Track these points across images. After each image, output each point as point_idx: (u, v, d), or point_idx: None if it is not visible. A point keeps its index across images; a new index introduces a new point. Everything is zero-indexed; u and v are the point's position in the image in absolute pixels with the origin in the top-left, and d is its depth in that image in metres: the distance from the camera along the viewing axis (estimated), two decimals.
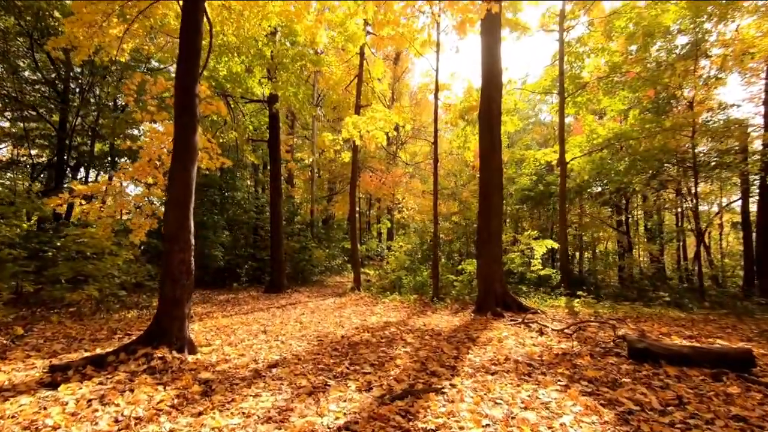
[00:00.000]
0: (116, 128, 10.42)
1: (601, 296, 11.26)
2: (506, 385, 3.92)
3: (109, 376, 3.93)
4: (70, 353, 5.07)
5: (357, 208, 14.58)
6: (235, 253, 16.11)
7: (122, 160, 14.64)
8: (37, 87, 14.72)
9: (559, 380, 4.05)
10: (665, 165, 14.01)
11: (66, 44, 8.05)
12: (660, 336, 6.19)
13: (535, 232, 12.64)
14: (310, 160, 25.00)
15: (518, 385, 3.90)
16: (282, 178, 23.66)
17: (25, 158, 17.67)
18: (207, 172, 15.83)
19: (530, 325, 7.11)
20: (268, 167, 15.34)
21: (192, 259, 5.09)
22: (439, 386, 3.89)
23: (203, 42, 9.70)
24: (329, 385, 3.93)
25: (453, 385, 3.92)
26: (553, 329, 6.39)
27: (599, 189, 18.37)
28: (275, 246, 13.52)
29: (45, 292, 7.25)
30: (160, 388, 3.69)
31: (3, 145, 16.67)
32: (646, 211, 19.96)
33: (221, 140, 13.69)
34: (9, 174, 12.18)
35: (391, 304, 10.66)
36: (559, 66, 13.37)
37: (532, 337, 6.10)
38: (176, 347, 4.73)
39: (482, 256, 9.43)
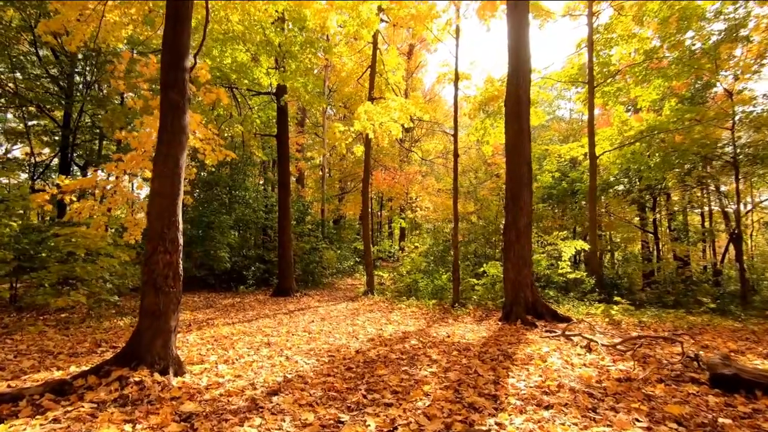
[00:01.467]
0: (114, 121, 9.77)
1: (635, 302, 10.27)
2: (570, 426, 3.04)
3: (69, 409, 3.15)
4: (39, 372, 4.32)
5: (368, 208, 13.79)
6: (242, 254, 15.42)
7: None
8: (39, 83, 14.24)
9: (636, 419, 3.15)
10: (704, 159, 12.92)
11: (59, 28, 7.39)
12: (731, 353, 5.22)
13: (564, 232, 11.66)
14: (321, 159, 24.31)
15: (586, 429, 3.01)
16: (292, 176, 23.05)
17: (26, 156, 17.29)
18: (213, 170, 15.21)
19: (572, 338, 6.18)
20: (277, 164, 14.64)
21: (180, 262, 4.31)
22: (483, 427, 3.03)
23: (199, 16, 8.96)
24: (342, 423, 3.10)
25: (500, 425, 3.06)
26: (603, 345, 5.47)
27: (626, 186, 17.30)
28: (283, 247, 12.77)
29: (28, 298, 6.58)
30: (128, 427, 2.89)
31: (5, 143, 16.26)
32: (669, 211, 18.76)
33: (226, 134, 12.99)
34: (4, 171, 11.66)
35: (408, 310, 9.81)
36: (588, 53, 12.39)
37: (579, 355, 5.19)
38: (159, 368, 3.94)
39: (509, 258, 8.52)
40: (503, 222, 17.59)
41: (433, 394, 3.75)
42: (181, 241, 4.34)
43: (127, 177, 8.31)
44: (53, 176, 15.89)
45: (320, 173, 24.20)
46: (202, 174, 15.44)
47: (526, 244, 8.50)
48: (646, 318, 8.10)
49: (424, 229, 27.42)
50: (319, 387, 3.95)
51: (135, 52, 12.98)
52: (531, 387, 3.94)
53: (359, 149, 10.70)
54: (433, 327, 7.86)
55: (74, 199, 7.26)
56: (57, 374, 4.24)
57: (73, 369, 4.40)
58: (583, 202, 17.79)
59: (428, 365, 4.80)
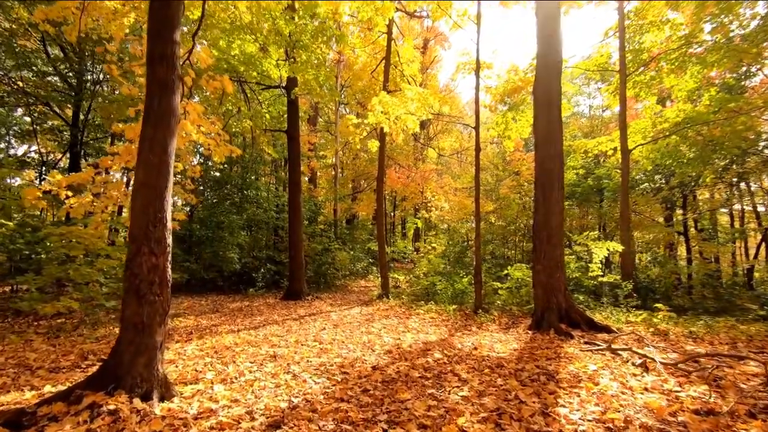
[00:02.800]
0: (113, 112, 9.31)
1: (675, 308, 9.37)
2: None
3: None
4: (9, 393, 3.75)
5: (383, 206, 13.09)
6: (252, 256, 14.90)
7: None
8: (48, 80, 13.95)
9: None
10: (743, 154, 11.91)
11: (57, 16, 6.90)
12: None
13: (595, 232, 10.80)
14: (333, 159, 23.74)
15: None
16: (304, 175, 22.50)
17: (37, 155, 17.09)
18: (222, 167, 14.72)
19: (619, 353, 5.40)
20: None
21: (168, 265, 3.69)
22: None
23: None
24: None
25: None
26: (661, 362, 4.67)
27: (655, 184, 16.29)
28: (294, 248, 12.17)
29: (13, 303, 6.08)
30: None
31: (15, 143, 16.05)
32: (697, 210, 17.64)
33: (234, 130, 12.46)
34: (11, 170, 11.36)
35: (427, 316, 9.09)
36: (619, 39, 11.51)
37: (635, 376, 4.41)
38: (140, 392, 3.32)
39: (540, 260, 7.74)
40: (525, 222, 16.79)
41: (469, 430, 3.04)
42: (169, 241, 3.71)
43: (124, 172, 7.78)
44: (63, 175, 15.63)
45: (333, 173, 23.63)
46: (211, 172, 14.98)
47: (558, 245, 7.72)
48: (696, 328, 7.23)
49: (440, 229, 26.65)
50: (330, 416, 3.28)
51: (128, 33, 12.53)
52: (589, 420, 3.20)
53: (374, 144, 10.02)
54: (456, 336, 7.14)
55: (70, 194, 6.77)
56: (28, 395, 3.66)
57: (48, 389, 3.82)
58: (608, 201, 16.84)
59: (458, 387, 4.09)
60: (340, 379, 4.35)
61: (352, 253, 18.05)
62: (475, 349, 5.95)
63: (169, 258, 3.72)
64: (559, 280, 7.58)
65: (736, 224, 20.31)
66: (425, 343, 6.41)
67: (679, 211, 16.40)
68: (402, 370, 4.71)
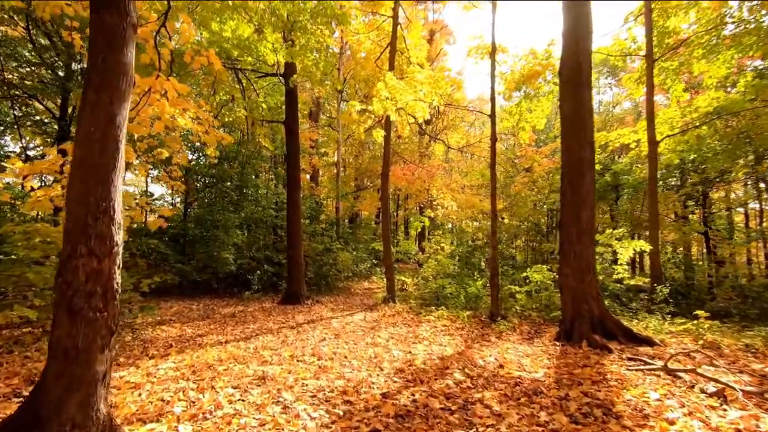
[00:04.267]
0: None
1: (712, 315, 8.45)
2: None
3: None
4: None
5: (388, 203, 12.17)
6: (249, 256, 14.02)
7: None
8: (33, 70, 13.14)
9: None
10: None
11: None
12: None
13: (619, 230, 9.88)
14: (335, 152, 22.86)
15: None
16: (304, 172, 21.64)
17: (21, 149, 16.26)
18: (218, 161, 13.88)
19: (677, 374, 4.49)
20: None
21: (117, 270, 2.81)
22: None
23: None
24: None
25: None
26: (742, 391, 3.76)
27: (675, 179, 15.37)
28: (293, 248, 11.29)
29: None
30: None
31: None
32: (711, 209, 16.65)
33: (227, 119, 11.60)
34: None
35: (439, 323, 8.19)
36: (646, 20, 10.60)
37: (714, 409, 3.51)
38: None
39: (568, 262, 6.84)
40: (539, 220, 15.88)
41: None
42: (118, 239, 2.84)
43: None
44: None
45: (334, 170, 22.77)
46: (206, 168, 14.13)
47: (590, 244, 6.81)
48: (750, 340, 6.30)
49: (445, 228, 25.73)
50: None
51: None
52: None
53: (378, 134, 9.14)
54: (474, 348, 6.25)
55: (35, 186, 5.92)
56: None
57: None
58: (628, 198, 15.91)
59: (493, 426, 3.20)
60: (342, 412, 3.46)
61: (354, 253, 17.16)
62: (501, 366, 5.06)
63: (118, 261, 2.84)
64: (590, 285, 6.68)
65: (752, 224, 19.39)
66: (441, 358, 5.51)
67: (692, 209, 15.49)
68: (419, 398, 3.82)
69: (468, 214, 20.46)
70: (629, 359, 5.36)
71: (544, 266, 9.13)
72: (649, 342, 6.21)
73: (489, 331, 7.54)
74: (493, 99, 8.90)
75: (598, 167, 15.21)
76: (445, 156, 23.07)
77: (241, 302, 10.95)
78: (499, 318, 8.13)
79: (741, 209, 19.02)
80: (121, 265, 2.89)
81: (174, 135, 7.18)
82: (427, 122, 21.94)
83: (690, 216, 16.46)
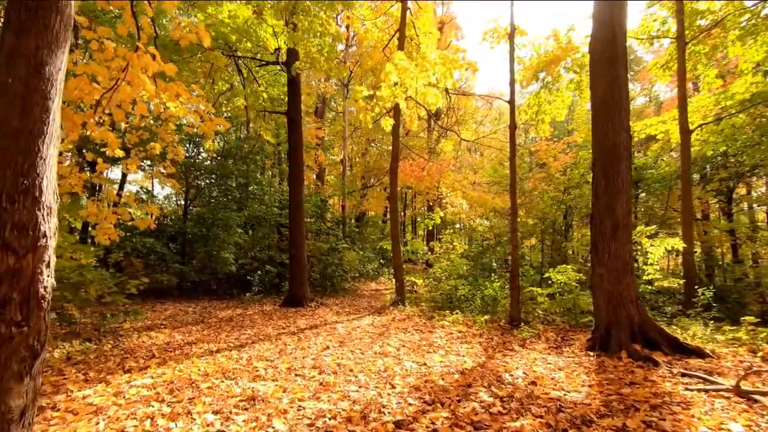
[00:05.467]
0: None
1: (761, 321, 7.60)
2: None
3: None
4: None
5: (397, 198, 11.43)
6: (251, 256, 13.37)
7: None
8: None
9: None
10: None
11: None
12: None
13: (651, 227, 9.06)
14: (341, 152, 22.20)
15: None
16: (310, 170, 20.97)
17: None
18: (216, 155, 13.27)
19: (754, 397, 3.70)
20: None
21: (45, 271, 2.12)
22: None
23: None
24: None
25: None
26: None
27: (702, 172, 14.44)
28: (296, 247, 10.60)
29: None
30: None
31: None
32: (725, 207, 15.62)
33: (225, 109, 10.95)
34: None
35: (454, 329, 7.44)
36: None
37: None
38: None
39: (602, 261, 6.07)
40: (559, 218, 15.02)
41: None
42: (48, 228, 2.14)
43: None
44: None
45: (341, 168, 22.08)
46: (206, 164, 13.52)
47: (627, 240, 6.03)
48: None
49: (455, 227, 24.93)
50: None
51: None
52: None
53: (387, 122, 8.42)
54: (497, 359, 5.51)
55: None
56: None
57: None
58: (652, 193, 15.01)
59: None
60: None
61: (361, 253, 16.44)
62: (534, 384, 4.30)
63: (48, 257, 2.15)
64: (629, 287, 5.89)
65: None
66: (461, 372, 4.77)
67: (721, 206, 14.53)
68: (441, 429, 3.09)
69: (479, 213, 19.67)
70: (683, 375, 4.57)
71: (569, 266, 8.33)
72: (698, 353, 5.41)
73: (511, 339, 6.78)
74: (512, 82, 8.14)
75: None
76: (455, 153, 22.28)
77: (241, 305, 10.28)
78: (522, 324, 7.36)
79: (764, 207, 18.01)
80: (52, 263, 2.19)
81: (167, 126, 6.51)
82: (436, 117, 21.22)
83: (712, 214, 15.53)
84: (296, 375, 4.55)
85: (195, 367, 4.69)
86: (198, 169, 13.22)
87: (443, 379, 4.50)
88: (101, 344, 5.64)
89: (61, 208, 6.71)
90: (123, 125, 6.08)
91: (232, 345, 6.02)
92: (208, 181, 13.93)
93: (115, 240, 6.15)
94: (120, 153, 6.05)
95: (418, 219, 32.90)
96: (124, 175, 15.63)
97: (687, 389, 4.05)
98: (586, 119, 16.13)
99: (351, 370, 4.76)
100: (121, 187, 15.34)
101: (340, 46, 20.69)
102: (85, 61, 6.89)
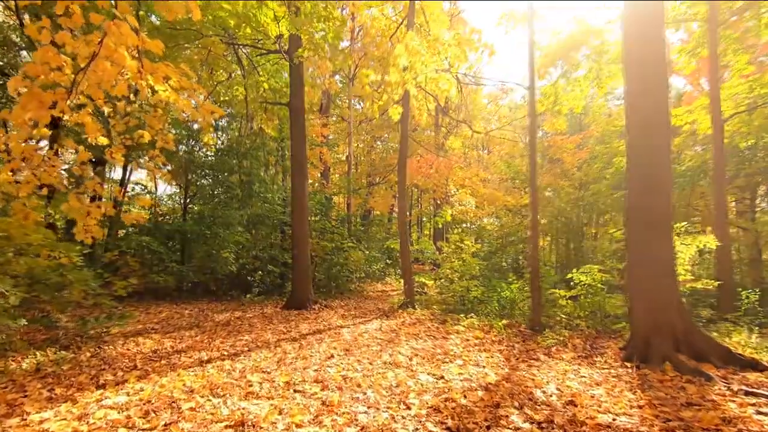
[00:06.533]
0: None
1: None
2: None
3: None
4: None
5: (405, 194, 10.80)
6: (253, 255, 12.79)
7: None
8: None
9: None
10: None
11: None
12: None
13: (681, 224, 8.36)
14: (347, 150, 21.59)
15: None
16: (315, 168, 20.38)
17: None
18: (216, 150, 12.72)
19: None
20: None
21: None
22: None
23: None
24: None
25: None
26: None
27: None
28: (298, 246, 10.01)
29: None
30: None
31: None
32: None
33: (224, 99, 10.39)
34: None
35: (470, 335, 6.81)
36: None
37: None
38: None
39: (639, 262, 5.42)
40: (574, 216, 14.32)
41: None
42: None
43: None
44: None
45: (346, 167, 21.48)
46: (205, 159, 12.96)
47: (668, 236, 5.37)
48: None
49: (464, 227, 24.24)
50: None
51: None
52: None
53: (395, 111, 7.79)
54: (522, 370, 4.88)
55: None
56: None
57: None
58: (677, 188, 14.25)
59: None
60: None
61: (367, 252, 15.81)
62: (572, 403, 3.67)
63: None
64: (670, 290, 5.23)
65: None
66: (485, 387, 4.14)
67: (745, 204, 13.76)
68: None
69: (487, 211, 18.97)
70: (746, 393, 3.92)
71: (594, 266, 7.67)
72: (755, 366, 4.74)
73: (534, 346, 6.14)
74: (531, 67, 7.49)
75: None
76: (464, 149, 21.63)
77: (240, 307, 9.70)
78: (546, 329, 6.72)
79: None
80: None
81: (156, 112, 5.92)
82: (444, 112, 20.58)
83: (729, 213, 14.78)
84: (295, 391, 3.94)
85: (180, 381, 4.09)
86: (198, 166, 12.66)
87: (465, 396, 3.87)
88: (80, 352, 5.06)
89: (38, 203, 6.17)
90: (106, 110, 5.51)
91: (225, 353, 5.42)
92: (209, 179, 13.37)
93: (99, 238, 5.61)
94: (103, 140, 5.50)
95: (424, 218, 32.24)
96: (124, 172, 15.18)
97: (759, 413, 3.40)
98: (605, 112, 15.43)
99: (359, 386, 4.14)
100: (121, 185, 14.87)
101: (345, 43, 20.13)
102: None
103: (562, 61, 9.97)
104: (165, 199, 15.18)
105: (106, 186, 15.18)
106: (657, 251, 5.28)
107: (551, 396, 3.92)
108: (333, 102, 24.66)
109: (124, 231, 12.34)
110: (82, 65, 4.20)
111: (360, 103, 23.61)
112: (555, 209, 13.37)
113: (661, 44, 5.48)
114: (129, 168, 14.69)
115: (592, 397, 3.92)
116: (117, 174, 16.89)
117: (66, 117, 4.51)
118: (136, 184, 15.32)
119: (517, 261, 14.55)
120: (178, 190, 14.65)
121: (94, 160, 12.30)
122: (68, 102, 4.59)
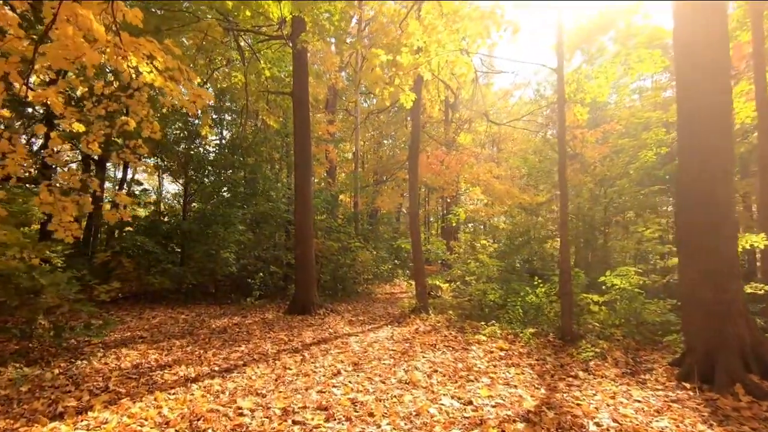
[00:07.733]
0: None
1: None
2: None
3: None
4: None
5: (417, 190, 10.06)
6: (255, 256, 12.14)
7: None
8: None
9: None
10: None
11: None
12: None
13: None
14: (353, 148, 20.91)
15: None
16: (320, 164, 19.68)
17: None
18: (217, 148, 12.07)
19: None
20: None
21: None
22: None
23: None
24: None
25: None
26: None
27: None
28: (302, 246, 9.32)
29: None
30: None
31: None
32: None
33: (221, 86, 9.72)
34: None
35: (494, 346, 6.05)
36: None
37: None
38: None
39: (696, 262, 4.64)
40: (599, 213, 13.47)
41: None
42: None
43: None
44: None
45: (352, 165, 20.77)
46: (205, 156, 12.32)
47: (732, 235, 4.57)
48: None
49: (471, 226, 23.45)
50: None
51: None
52: None
53: (408, 98, 7.05)
54: (562, 391, 4.13)
55: None
56: None
57: None
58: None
59: None
60: None
61: (375, 252, 15.08)
62: None
63: None
64: (736, 296, 4.44)
65: None
66: (524, 417, 3.40)
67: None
68: None
69: (499, 210, 18.16)
70: None
71: (631, 268, 6.87)
72: None
73: (568, 360, 5.37)
74: (560, 44, 6.72)
75: (665, 150, 12.73)
76: (476, 144, 20.87)
77: (240, 311, 9.02)
78: (581, 340, 5.95)
79: None
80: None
81: (140, 96, 5.23)
82: (455, 107, 19.81)
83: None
84: (294, 422, 3.23)
85: (155, 409, 3.40)
86: (198, 162, 12.01)
87: (500, 428, 3.14)
88: (49, 368, 4.39)
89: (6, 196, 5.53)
90: (80, 90, 4.84)
91: (217, 369, 4.73)
92: (211, 178, 12.70)
93: (78, 236, 4.95)
94: (79, 126, 4.85)
95: (432, 218, 31.44)
96: (125, 170, 14.61)
97: None
98: (628, 103, 14.60)
99: (371, 414, 3.42)
100: (121, 185, 14.30)
101: (349, 39, 19.43)
102: None
103: (585, 46, 9.17)
104: (169, 198, 14.60)
105: (104, 185, 14.58)
106: (720, 249, 4.48)
107: (608, 430, 3.17)
108: (339, 98, 24.01)
109: (122, 231, 11.76)
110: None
111: (366, 101, 22.91)
112: (575, 207, 12.53)
113: (724, 15, 4.70)
114: (129, 165, 14.11)
115: (654, 426, 3.17)
116: (119, 173, 16.38)
117: (25, 93, 3.86)
118: (138, 183, 14.71)
119: (530, 262, 13.74)
120: (179, 189, 14.06)
121: (96, 157, 11.75)
122: (32, 76, 3.94)
